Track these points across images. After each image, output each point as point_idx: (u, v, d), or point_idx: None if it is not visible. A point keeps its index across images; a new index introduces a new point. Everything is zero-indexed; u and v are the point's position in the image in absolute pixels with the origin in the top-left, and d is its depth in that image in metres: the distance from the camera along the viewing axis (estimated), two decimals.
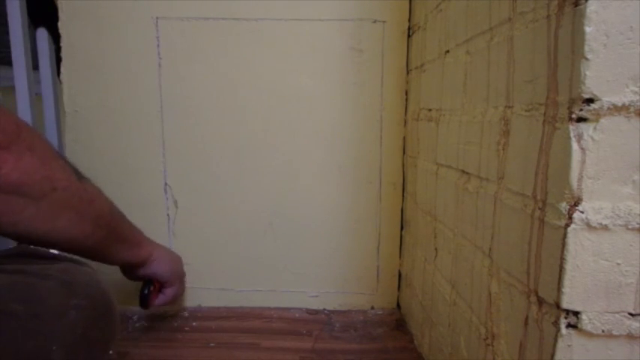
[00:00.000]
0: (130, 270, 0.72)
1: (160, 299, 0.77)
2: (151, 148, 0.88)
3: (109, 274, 0.73)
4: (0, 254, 0.53)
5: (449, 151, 0.61)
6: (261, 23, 0.85)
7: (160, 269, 0.74)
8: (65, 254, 0.58)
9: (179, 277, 0.80)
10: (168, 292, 0.78)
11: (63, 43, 0.86)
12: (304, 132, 0.88)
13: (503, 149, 0.44)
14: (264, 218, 0.91)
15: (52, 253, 0.58)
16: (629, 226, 0.33)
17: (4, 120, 0.45)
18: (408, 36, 0.85)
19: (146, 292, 0.75)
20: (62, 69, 0.87)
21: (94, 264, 0.60)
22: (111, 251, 0.62)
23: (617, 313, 0.34)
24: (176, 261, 0.80)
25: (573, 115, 0.33)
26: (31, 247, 0.55)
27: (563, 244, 0.34)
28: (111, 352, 0.52)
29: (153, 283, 0.76)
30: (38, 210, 0.48)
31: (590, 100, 0.32)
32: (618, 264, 0.34)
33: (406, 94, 0.87)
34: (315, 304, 0.93)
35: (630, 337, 0.35)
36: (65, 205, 0.51)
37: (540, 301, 0.37)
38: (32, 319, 0.44)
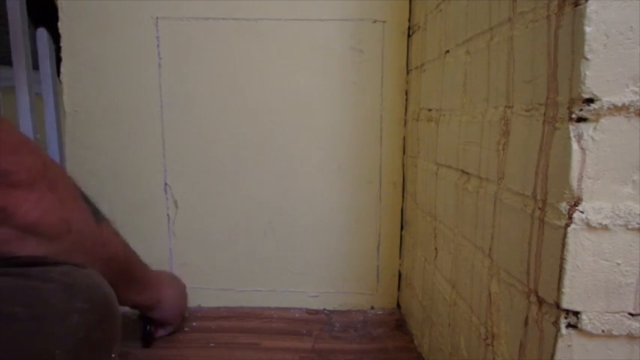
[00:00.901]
0: (135, 309, 0.73)
1: (160, 333, 0.79)
2: (151, 148, 0.88)
3: None
4: (1, 257, 0.53)
5: (449, 151, 0.61)
6: (261, 23, 0.85)
7: (164, 314, 0.75)
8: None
9: (181, 316, 0.81)
10: (169, 328, 0.79)
11: (63, 43, 0.86)
12: (304, 132, 0.88)
13: (503, 149, 0.44)
14: (264, 218, 0.91)
15: None
16: (629, 226, 0.33)
17: (30, 159, 0.47)
18: (408, 36, 0.85)
19: (149, 329, 0.76)
20: (62, 69, 0.87)
21: None
22: (119, 294, 0.62)
23: (617, 313, 0.34)
24: (180, 299, 0.80)
25: (573, 115, 0.33)
26: None
27: (563, 244, 0.34)
28: (113, 355, 0.52)
29: (152, 321, 0.77)
30: (51, 249, 0.49)
31: (590, 100, 0.32)
32: (618, 264, 0.34)
33: (406, 94, 0.87)
34: (315, 304, 0.93)
35: (630, 337, 0.35)
36: (78, 247, 0.52)
37: (540, 301, 0.37)
38: (34, 322, 0.44)
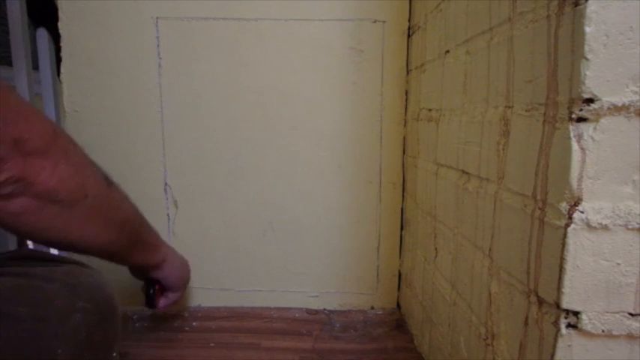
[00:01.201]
0: (139, 270, 0.72)
1: (162, 302, 0.78)
2: (151, 148, 0.88)
3: (111, 275, 0.73)
4: (4, 257, 0.53)
5: (449, 151, 0.61)
6: (261, 23, 0.85)
7: (169, 274, 0.75)
8: (69, 256, 0.58)
9: (184, 283, 0.81)
10: (172, 296, 0.79)
11: (63, 43, 0.86)
12: (304, 132, 0.88)
13: (503, 149, 0.44)
14: (264, 218, 0.91)
15: (55, 256, 0.59)
16: (629, 226, 0.33)
17: (42, 125, 0.46)
18: (408, 36, 0.85)
19: (152, 292, 0.76)
20: (62, 69, 0.87)
21: (95, 264, 0.60)
22: (131, 255, 0.63)
23: (617, 313, 0.34)
24: (184, 267, 0.80)
25: (573, 115, 0.33)
26: (34, 249, 0.55)
27: (563, 244, 0.34)
28: (115, 354, 0.52)
29: (156, 284, 0.76)
30: (70, 216, 0.49)
31: (590, 100, 0.32)
32: (618, 264, 0.34)
33: (406, 94, 0.87)
34: (315, 304, 0.93)
35: (630, 337, 0.35)
36: (95, 212, 0.52)
37: (540, 301, 0.37)
38: (37, 321, 0.44)
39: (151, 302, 0.76)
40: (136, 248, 0.63)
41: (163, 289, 0.77)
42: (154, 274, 0.73)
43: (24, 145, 0.43)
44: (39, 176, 0.45)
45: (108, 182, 0.56)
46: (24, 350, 0.43)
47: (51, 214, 0.47)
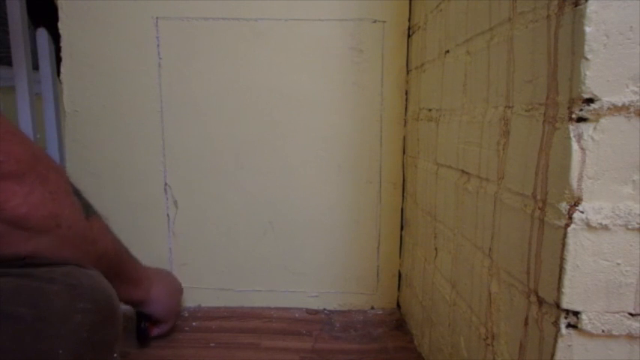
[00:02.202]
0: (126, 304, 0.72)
1: (155, 332, 0.78)
2: (151, 148, 0.88)
3: None
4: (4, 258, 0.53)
5: (449, 151, 0.61)
6: (261, 23, 0.85)
7: (156, 310, 0.75)
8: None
9: (175, 314, 0.81)
10: (164, 326, 0.79)
11: (63, 43, 0.86)
12: (304, 132, 0.88)
13: (503, 149, 0.44)
14: (264, 218, 0.91)
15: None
16: (629, 226, 0.33)
17: (20, 149, 0.45)
18: (408, 36, 0.85)
19: (143, 326, 0.76)
20: (62, 69, 0.87)
21: None
22: None
23: (617, 313, 0.34)
24: (173, 295, 0.80)
25: (573, 115, 0.33)
26: None
27: (563, 244, 0.34)
28: (115, 354, 0.52)
29: (146, 318, 0.76)
30: (40, 243, 0.48)
31: (590, 100, 0.32)
32: (618, 264, 0.34)
33: (406, 94, 0.87)
34: (315, 304, 0.93)
35: (630, 337, 0.35)
36: (67, 243, 0.51)
37: (540, 301, 0.37)
38: (38, 322, 0.44)
39: (142, 337, 0.76)
40: (115, 283, 0.61)
41: (155, 321, 0.77)
42: (140, 309, 0.73)
43: None
44: (9, 202, 0.44)
45: (88, 213, 0.55)
46: (24, 351, 0.43)
47: (20, 239, 0.46)
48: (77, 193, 0.55)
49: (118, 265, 0.62)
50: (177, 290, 0.81)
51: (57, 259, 0.50)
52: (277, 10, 0.84)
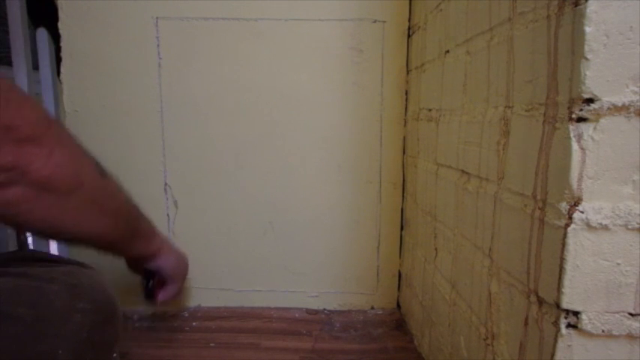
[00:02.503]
0: (136, 262, 0.71)
1: (162, 295, 0.77)
2: (151, 148, 0.88)
3: (111, 275, 0.73)
4: (4, 257, 0.53)
5: (449, 151, 0.61)
6: (261, 23, 0.85)
7: (165, 264, 0.73)
8: (69, 257, 0.58)
9: (182, 275, 0.80)
10: (170, 288, 0.77)
11: (63, 43, 0.86)
12: (304, 132, 0.88)
13: (503, 149, 0.44)
14: (264, 218, 0.91)
15: (56, 256, 0.58)
16: (629, 226, 0.33)
17: (35, 112, 0.45)
18: (408, 36, 0.85)
19: (150, 285, 0.75)
20: (62, 69, 0.87)
21: (95, 264, 0.60)
22: (128, 244, 0.62)
23: (617, 313, 0.34)
24: (181, 259, 0.79)
25: (573, 115, 0.33)
26: (35, 250, 0.55)
27: (563, 244, 0.34)
28: (115, 354, 0.52)
29: (154, 276, 0.75)
30: (66, 205, 0.48)
31: (590, 100, 0.32)
32: (618, 264, 0.34)
33: (406, 94, 0.87)
34: (315, 304, 0.93)
35: (630, 337, 0.35)
36: (91, 201, 0.51)
37: (540, 301, 0.37)
38: (37, 322, 0.44)
39: (149, 295, 0.75)
40: (133, 237, 0.62)
41: (162, 282, 0.76)
42: (151, 264, 0.72)
43: (16, 133, 0.42)
44: (33, 164, 0.43)
45: (102, 171, 0.55)
46: (24, 351, 0.43)
47: (46, 204, 0.46)
48: (89, 153, 0.55)
49: (135, 219, 0.63)
50: (184, 255, 0.80)
51: (83, 218, 0.50)
52: (277, 10, 0.84)
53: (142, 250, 0.67)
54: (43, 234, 0.52)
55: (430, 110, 0.70)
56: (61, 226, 0.49)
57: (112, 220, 0.55)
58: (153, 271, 0.74)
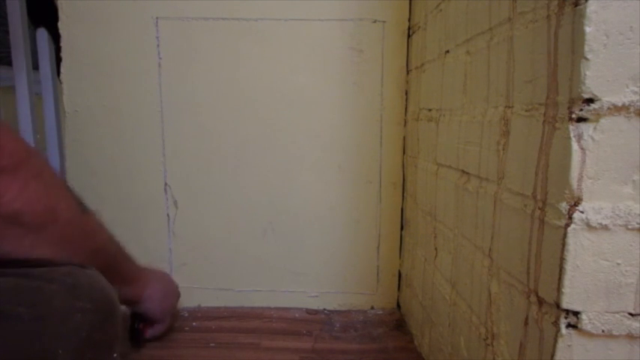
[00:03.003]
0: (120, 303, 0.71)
1: (149, 332, 0.77)
2: (151, 148, 0.88)
3: None
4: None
5: (449, 151, 0.61)
6: (261, 23, 0.85)
7: (149, 309, 0.74)
8: None
9: (170, 314, 0.79)
10: (158, 327, 0.78)
11: (63, 43, 0.86)
12: (304, 132, 0.88)
13: (503, 149, 0.44)
14: (264, 218, 0.91)
15: None
16: (629, 226, 0.33)
17: (13, 144, 0.44)
18: (408, 36, 0.85)
19: (137, 326, 0.75)
20: (62, 69, 0.87)
21: None
22: None
23: (617, 313, 0.34)
24: (169, 296, 0.79)
25: (573, 115, 0.33)
26: None
27: (563, 244, 0.34)
28: (115, 354, 0.52)
29: (140, 318, 0.75)
30: (37, 239, 0.48)
31: (590, 100, 0.32)
32: (618, 264, 0.34)
33: (406, 94, 0.87)
34: (315, 304, 0.93)
35: (630, 337, 0.35)
36: (65, 238, 0.51)
37: (540, 301, 0.37)
38: (37, 322, 0.44)
39: (136, 338, 0.75)
40: (110, 280, 0.59)
41: (149, 321, 0.76)
42: (134, 308, 0.73)
43: None
44: (3, 196, 0.43)
45: (82, 208, 0.54)
46: (24, 351, 0.43)
47: (15, 236, 0.46)
48: (69, 189, 0.54)
49: (114, 262, 0.62)
50: (173, 292, 0.80)
51: (55, 255, 0.50)
52: (277, 10, 0.84)
53: (122, 295, 0.65)
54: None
55: (430, 110, 0.70)
56: (32, 257, 0.48)
57: (87, 261, 0.53)
58: (138, 313, 0.74)
